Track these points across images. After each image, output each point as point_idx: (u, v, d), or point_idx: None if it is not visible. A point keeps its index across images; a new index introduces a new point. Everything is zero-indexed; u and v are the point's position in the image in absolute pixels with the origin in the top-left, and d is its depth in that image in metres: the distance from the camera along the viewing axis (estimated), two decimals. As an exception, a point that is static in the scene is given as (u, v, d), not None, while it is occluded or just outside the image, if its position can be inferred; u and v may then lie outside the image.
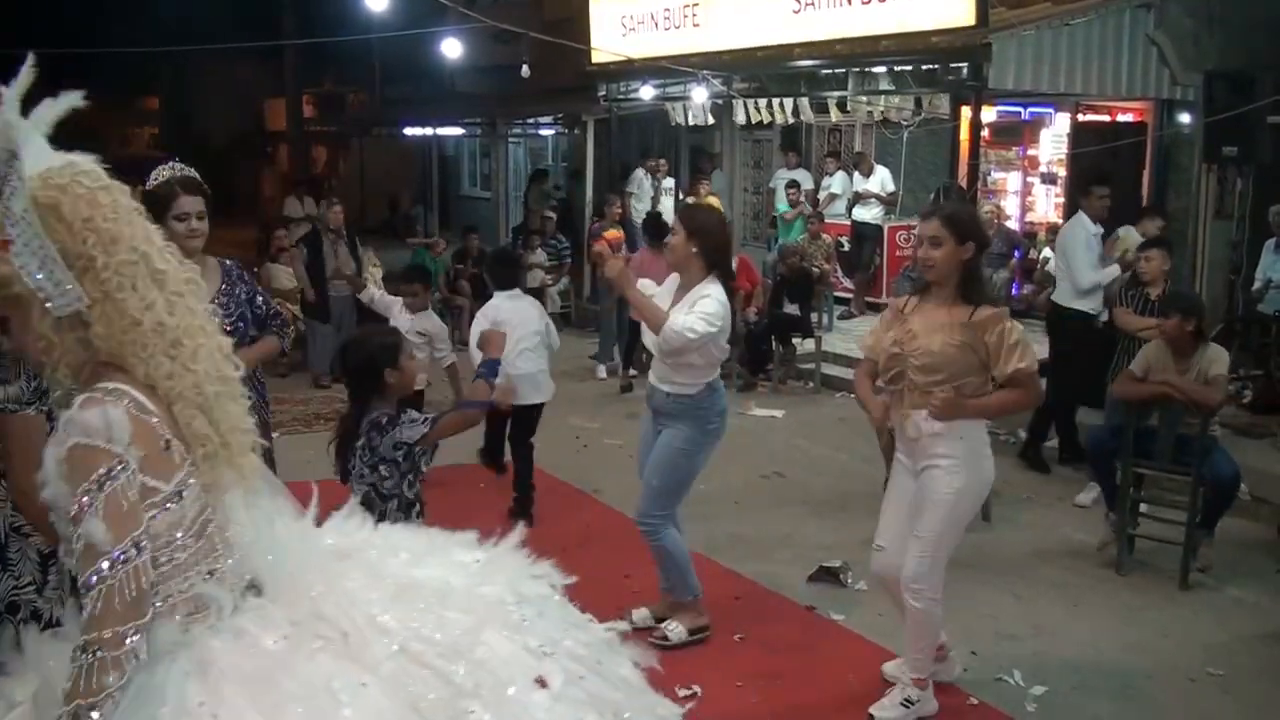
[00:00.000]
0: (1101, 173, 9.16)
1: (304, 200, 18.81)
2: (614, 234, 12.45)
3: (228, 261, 5.04)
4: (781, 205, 14.83)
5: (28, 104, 2.36)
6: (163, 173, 4.79)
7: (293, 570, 2.44)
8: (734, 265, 11.39)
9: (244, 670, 2.19)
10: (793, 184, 14.68)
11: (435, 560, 2.63)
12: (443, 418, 4.34)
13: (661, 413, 5.41)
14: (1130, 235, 8.95)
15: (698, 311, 5.12)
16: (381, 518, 3.59)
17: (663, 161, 15.83)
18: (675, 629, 5.45)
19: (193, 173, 4.84)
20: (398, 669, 2.27)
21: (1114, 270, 8.29)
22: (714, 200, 14.40)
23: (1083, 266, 8.14)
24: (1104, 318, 8.11)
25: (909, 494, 4.77)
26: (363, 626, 2.33)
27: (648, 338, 5.45)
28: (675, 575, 5.49)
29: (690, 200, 14.43)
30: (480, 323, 6.89)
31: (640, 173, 15.94)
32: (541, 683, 2.39)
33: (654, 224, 10.90)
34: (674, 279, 5.46)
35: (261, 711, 2.13)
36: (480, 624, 2.43)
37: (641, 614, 5.55)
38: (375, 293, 8.16)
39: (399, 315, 7.69)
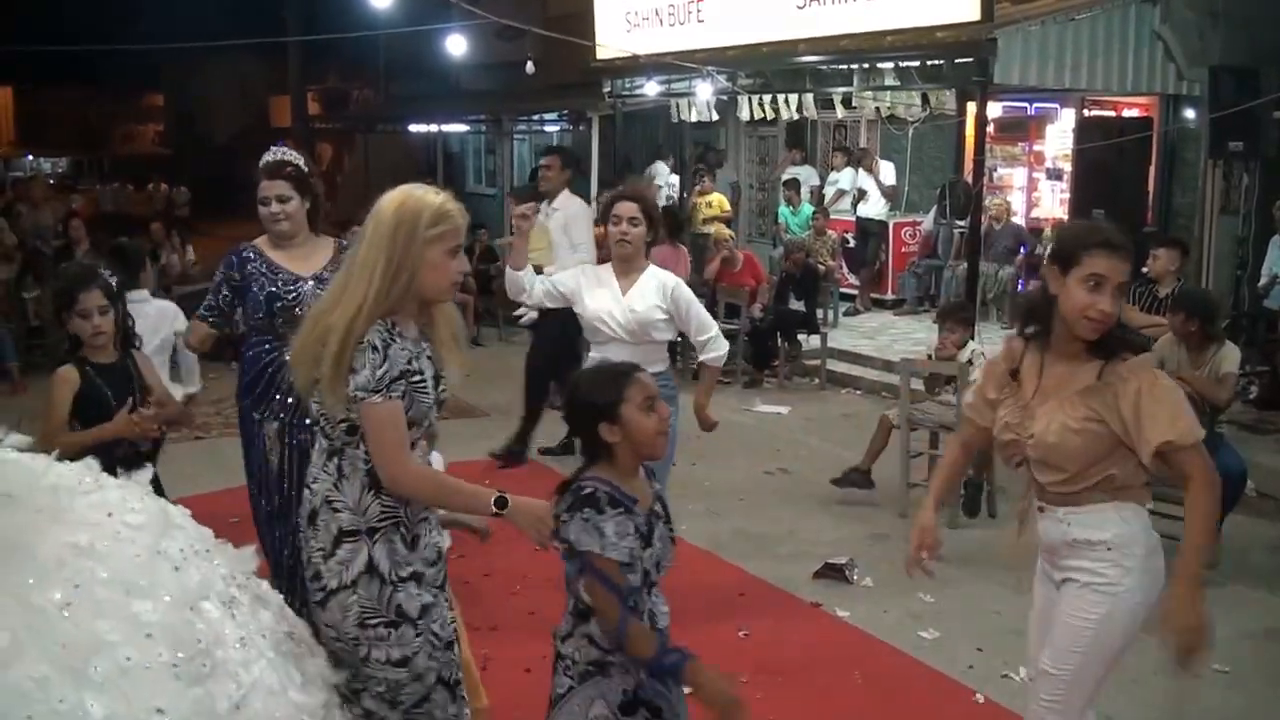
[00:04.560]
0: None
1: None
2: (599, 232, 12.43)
3: (344, 242, 5.11)
4: (784, 209, 14.82)
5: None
6: (265, 157, 4.97)
7: None
8: (739, 261, 11.54)
9: None
10: (790, 183, 14.67)
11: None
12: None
13: None
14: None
15: (690, 300, 5.29)
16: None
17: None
18: None
19: (287, 156, 4.97)
20: None
21: None
22: (718, 197, 14.43)
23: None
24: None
25: (1051, 609, 3.54)
26: None
27: (716, 352, 5.41)
28: None
29: (698, 196, 14.46)
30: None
31: (662, 165, 15.93)
32: None
33: (670, 218, 10.89)
34: (588, 269, 5.60)
35: None
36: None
37: None
38: None
39: None
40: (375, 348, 3.06)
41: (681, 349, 9.67)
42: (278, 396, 4.83)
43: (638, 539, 3.01)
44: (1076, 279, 3.22)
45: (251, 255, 4.90)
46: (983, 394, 3.63)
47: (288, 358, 4.75)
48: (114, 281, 4.59)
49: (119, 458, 4.30)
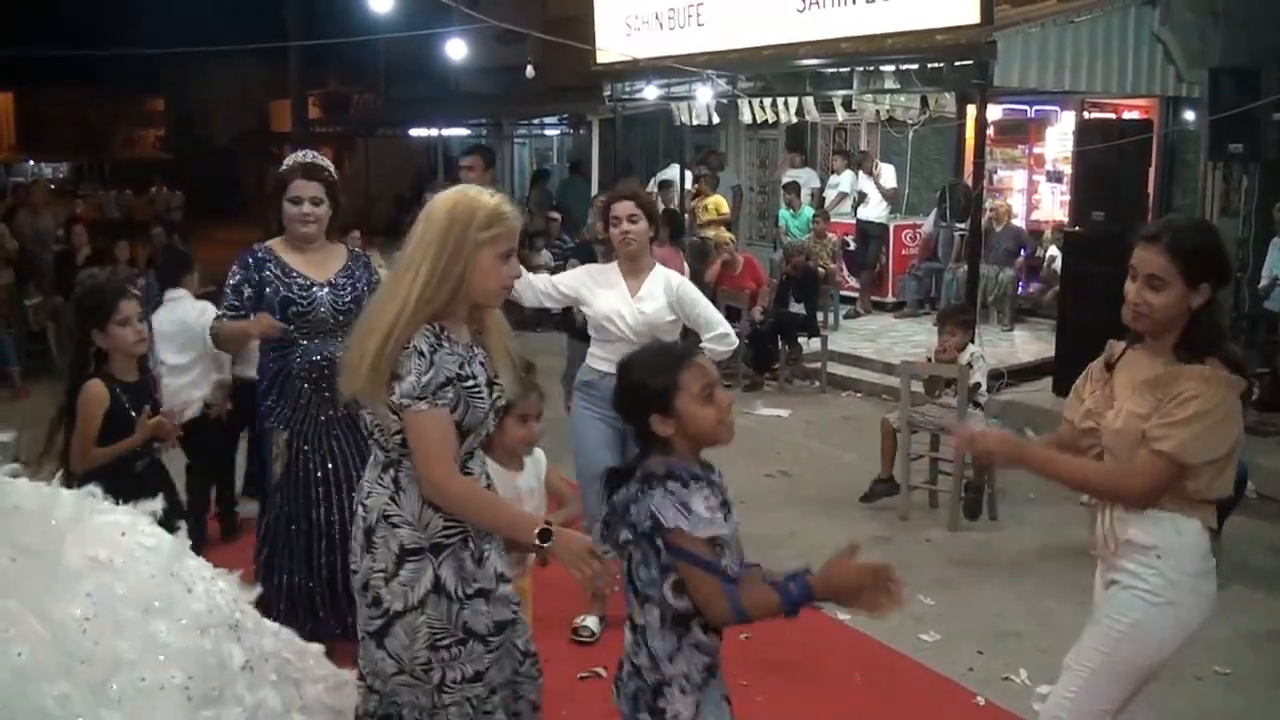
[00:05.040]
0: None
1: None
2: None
3: (356, 249, 5.17)
4: (784, 212, 14.82)
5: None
6: (294, 158, 4.98)
7: None
8: (740, 264, 11.53)
9: None
10: (790, 185, 14.67)
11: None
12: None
13: None
14: None
15: (698, 299, 5.31)
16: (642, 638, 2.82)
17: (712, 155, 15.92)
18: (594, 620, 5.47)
19: (319, 160, 4.97)
20: None
21: None
22: (715, 200, 14.42)
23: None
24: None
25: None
26: None
27: (719, 345, 5.34)
28: None
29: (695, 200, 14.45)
30: None
31: (676, 168, 15.95)
32: None
33: (673, 220, 10.88)
34: (592, 268, 5.57)
35: None
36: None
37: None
38: None
39: None
40: (421, 353, 2.95)
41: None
42: (287, 405, 4.82)
43: (724, 510, 2.79)
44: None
45: (266, 257, 4.84)
46: (1078, 392, 3.53)
47: (299, 362, 4.78)
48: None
49: (138, 471, 4.30)
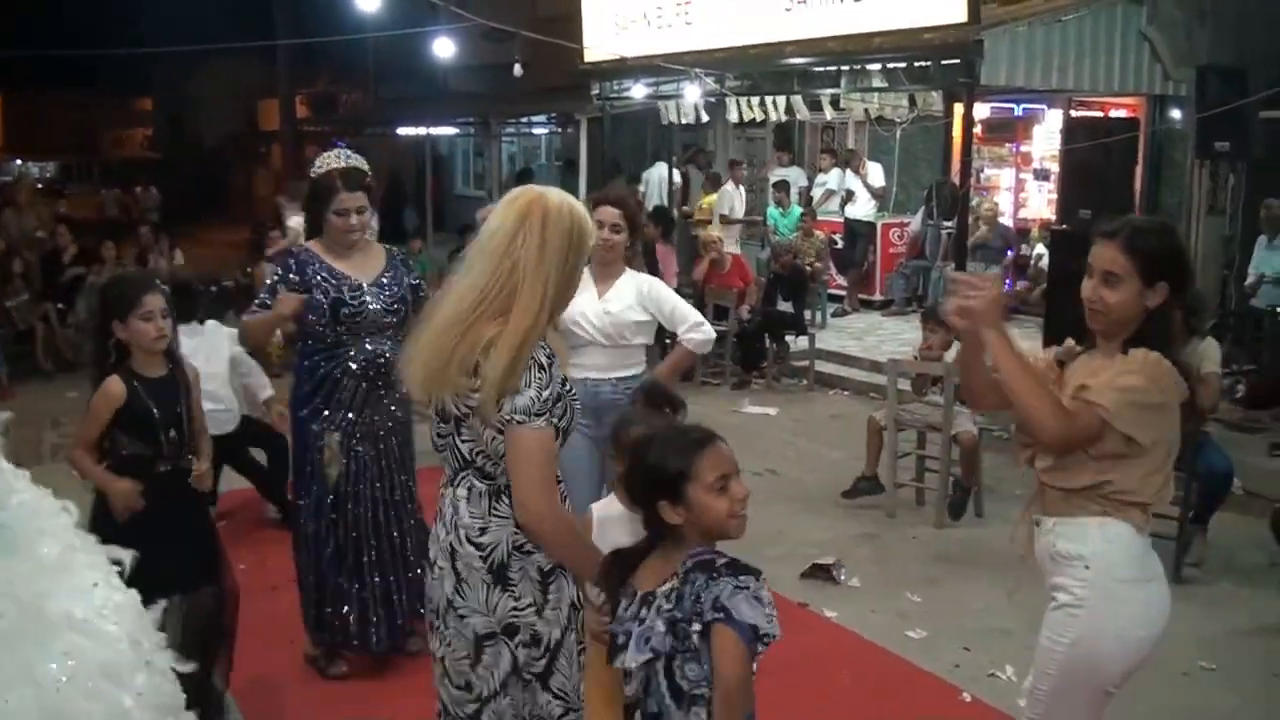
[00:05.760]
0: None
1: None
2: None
3: (394, 250, 5.11)
4: (772, 210, 14.82)
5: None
6: (329, 160, 4.86)
7: None
8: (727, 263, 11.53)
9: None
10: (780, 184, 14.67)
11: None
12: None
13: (606, 410, 4.95)
14: None
15: (669, 297, 5.27)
16: None
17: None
18: None
19: (357, 162, 4.88)
20: None
21: None
22: (711, 200, 14.41)
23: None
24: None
25: None
26: None
27: (697, 335, 5.27)
28: None
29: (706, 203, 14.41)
30: None
31: (661, 167, 15.95)
32: None
33: (664, 217, 10.86)
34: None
35: None
36: None
37: None
38: None
39: None
40: (542, 366, 2.76)
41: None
42: (339, 409, 4.77)
43: None
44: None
45: (309, 259, 4.79)
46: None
47: (354, 362, 4.72)
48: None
49: (160, 474, 4.19)
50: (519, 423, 2.71)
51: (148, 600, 3.61)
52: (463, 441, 2.85)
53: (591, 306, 5.12)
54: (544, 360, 2.77)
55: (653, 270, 8.20)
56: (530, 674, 2.92)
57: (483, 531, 2.86)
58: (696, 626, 2.49)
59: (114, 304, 4.13)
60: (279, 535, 6.56)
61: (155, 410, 4.12)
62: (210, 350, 6.72)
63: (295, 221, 9.72)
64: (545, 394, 2.74)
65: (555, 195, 2.89)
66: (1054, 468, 3.15)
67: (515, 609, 2.86)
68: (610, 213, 5.17)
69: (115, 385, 4.09)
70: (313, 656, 5.11)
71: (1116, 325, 3.12)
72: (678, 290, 6.51)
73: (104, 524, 4.04)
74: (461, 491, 2.89)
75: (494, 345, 2.71)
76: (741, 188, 14.75)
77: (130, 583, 3.50)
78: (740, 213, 14.48)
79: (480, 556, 2.85)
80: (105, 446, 4.16)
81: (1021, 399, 3.02)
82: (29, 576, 2.61)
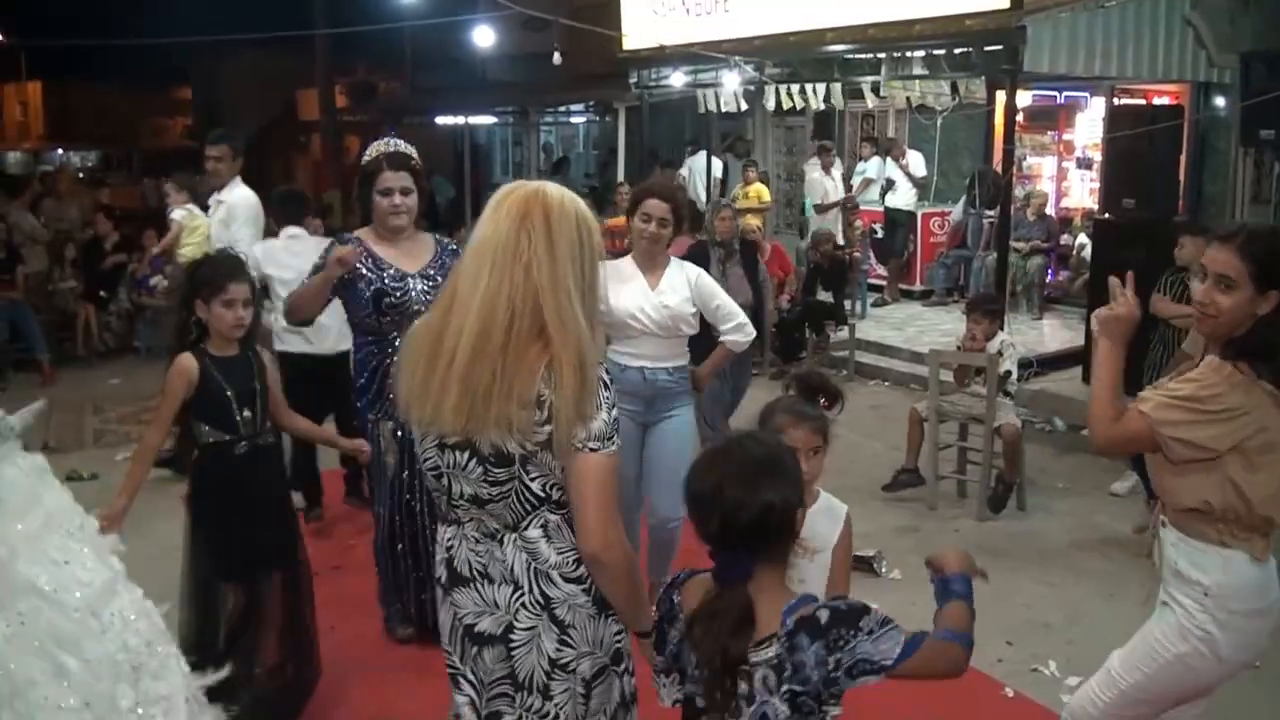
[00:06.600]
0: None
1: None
2: (615, 221, 12.23)
3: (444, 240, 5.12)
4: (807, 201, 14.72)
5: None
6: (377, 147, 4.91)
7: None
8: (767, 252, 11.48)
9: None
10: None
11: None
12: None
13: (662, 396, 5.18)
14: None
15: (717, 292, 5.26)
16: None
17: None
18: None
19: (403, 148, 4.91)
20: None
21: None
22: (757, 188, 14.34)
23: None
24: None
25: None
26: None
27: (738, 335, 5.33)
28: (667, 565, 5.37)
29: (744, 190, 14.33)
30: None
31: (701, 157, 15.90)
32: None
33: (690, 209, 10.77)
34: (606, 264, 5.47)
35: None
36: None
37: None
38: None
39: None
40: (606, 384, 2.55)
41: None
42: (390, 397, 4.68)
43: None
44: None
45: (355, 245, 4.78)
46: None
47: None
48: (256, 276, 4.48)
49: (239, 455, 4.20)
50: (591, 449, 2.51)
51: (231, 579, 3.98)
52: (533, 480, 2.58)
53: (649, 300, 5.09)
54: (607, 378, 2.57)
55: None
56: (630, 697, 2.82)
57: (577, 564, 2.64)
58: (832, 709, 2.46)
59: (200, 284, 4.19)
60: (346, 513, 6.66)
61: (227, 388, 4.17)
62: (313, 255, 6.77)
63: (179, 214, 9.64)
64: (613, 414, 2.55)
65: (554, 189, 2.62)
66: (1163, 488, 3.26)
67: (618, 633, 2.73)
68: (659, 206, 5.14)
69: (188, 360, 4.15)
70: (386, 615, 5.22)
71: (1225, 329, 3.13)
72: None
73: (200, 502, 4.24)
74: (535, 533, 2.63)
75: (555, 371, 2.47)
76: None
77: (212, 562, 4.01)
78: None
79: (584, 590, 2.65)
80: (184, 441, 4.27)
81: (1091, 402, 3.20)
82: (4, 535, 2.89)
